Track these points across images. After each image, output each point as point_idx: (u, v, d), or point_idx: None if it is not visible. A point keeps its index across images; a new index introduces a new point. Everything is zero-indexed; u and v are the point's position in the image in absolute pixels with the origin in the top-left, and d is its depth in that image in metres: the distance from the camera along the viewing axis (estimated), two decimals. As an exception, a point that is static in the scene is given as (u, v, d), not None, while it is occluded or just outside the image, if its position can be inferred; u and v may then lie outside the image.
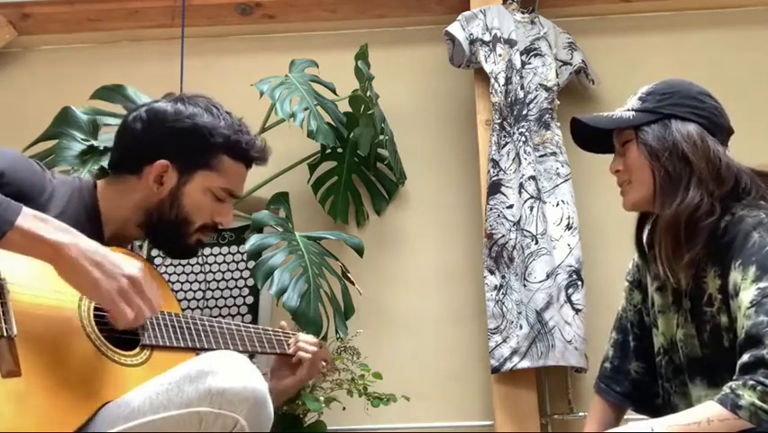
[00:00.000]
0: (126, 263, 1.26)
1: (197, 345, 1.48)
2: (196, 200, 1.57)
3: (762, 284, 1.38)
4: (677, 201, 1.51)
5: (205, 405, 1.21)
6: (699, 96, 1.59)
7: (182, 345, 1.46)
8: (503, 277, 2.54)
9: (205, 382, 1.22)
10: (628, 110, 1.62)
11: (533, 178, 2.60)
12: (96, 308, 1.33)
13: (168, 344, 1.43)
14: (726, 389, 1.33)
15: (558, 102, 2.75)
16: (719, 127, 1.59)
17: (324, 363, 1.83)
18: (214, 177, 1.58)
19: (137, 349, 1.38)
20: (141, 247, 2.36)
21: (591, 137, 1.68)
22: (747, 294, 1.39)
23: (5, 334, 1.12)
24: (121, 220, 1.56)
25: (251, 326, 1.67)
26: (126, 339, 1.37)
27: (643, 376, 1.76)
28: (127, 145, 1.59)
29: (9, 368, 1.10)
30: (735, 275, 1.44)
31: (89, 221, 1.49)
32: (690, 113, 1.56)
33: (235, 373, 1.24)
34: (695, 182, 1.51)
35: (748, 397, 1.29)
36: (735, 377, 1.34)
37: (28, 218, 1.19)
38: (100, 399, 1.26)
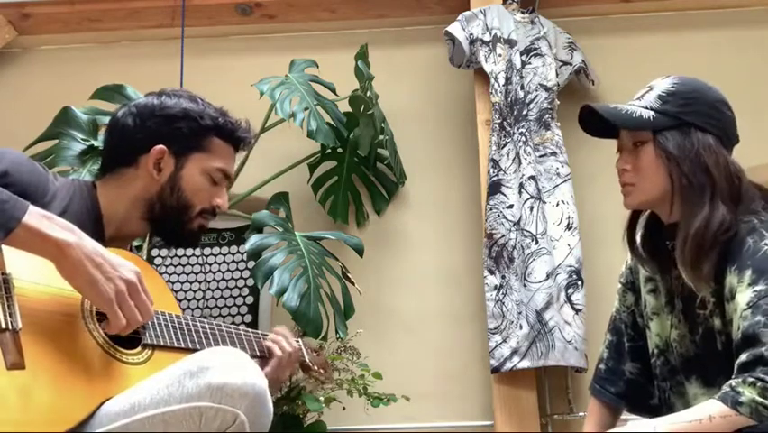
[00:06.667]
0: (125, 267, 1.27)
1: (197, 347, 1.48)
2: (195, 183, 1.60)
3: (758, 287, 1.38)
4: (704, 213, 1.49)
5: (206, 400, 1.21)
6: (718, 106, 1.56)
7: (182, 345, 1.47)
8: (503, 277, 2.54)
9: (205, 377, 1.22)
10: (647, 108, 1.57)
11: (533, 178, 2.61)
12: None
13: (169, 344, 1.44)
14: (726, 387, 1.34)
15: (558, 102, 2.75)
16: (732, 140, 1.58)
17: (321, 371, 1.85)
18: (208, 158, 1.62)
19: (138, 348, 1.39)
20: (140, 248, 2.36)
21: (599, 125, 1.63)
22: (743, 297, 1.39)
23: (10, 327, 1.13)
24: (122, 217, 1.57)
25: (250, 330, 1.68)
26: (128, 338, 1.38)
27: (637, 377, 1.76)
28: (120, 139, 1.61)
29: (14, 360, 1.11)
30: (730, 279, 1.44)
31: (91, 221, 1.50)
32: (709, 123, 1.54)
33: (235, 369, 1.24)
34: (719, 196, 1.49)
35: (748, 394, 1.30)
36: (734, 375, 1.35)
37: (34, 216, 1.20)
38: (102, 394, 1.27)
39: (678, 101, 1.56)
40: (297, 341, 1.80)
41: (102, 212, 1.55)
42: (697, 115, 1.54)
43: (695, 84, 1.59)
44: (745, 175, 1.55)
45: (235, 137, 1.67)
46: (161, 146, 1.57)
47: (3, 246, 1.19)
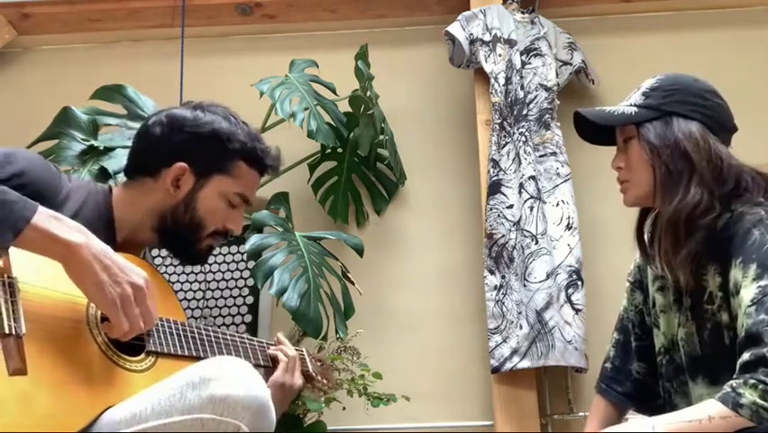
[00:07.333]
0: (133, 271, 1.26)
1: (202, 355, 1.47)
2: (211, 205, 1.58)
3: (762, 282, 1.37)
4: (677, 198, 1.50)
5: (208, 412, 1.19)
6: (704, 94, 1.58)
7: (186, 353, 1.46)
8: (503, 277, 2.54)
9: (207, 389, 1.20)
10: (631, 105, 1.60)
11: (533, 178, 2.60)
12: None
13: (172, 351, 1.43)
14: (726, 387, 1.33)
15: (558, 102, 2.75)
16: (722, 126, 1.58)
17: (324, 381, 1.84)
18: (230, 182, 1.59)
19: (142, 355, 1.38)
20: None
21: (595, 130, 1.67)
22: (748, 292, 1.39)
23: (14, 332, 1.12)
24: (134, 225, 1.56)
25: (254, 339, 1.67)
26: (132, 345, 1.37)
27: (644, 376, 1.75)
28: (145, 149, 1.60)
29: (16, 366, 1.10)
30: (735, 273, 1.43)
31: (103, 225, 1.49)
32: (693, 111, 1.55)
33: (238, 380, 1.22)
34: (696, 180, 1.50)
35: (749, 395, 1.29)
36: (735, 375, 1.34)
37: (43, 217, 1.19)
38: (103, 402, 1.26)
39: (660, 94, 1.58)
40: (300, 351, 1.79)
41: (114, 217, 1.54)
42: (679, 104, 1.56)
43: (679, 77, 1.61)
44: (732, 158, 1.54)
45: (262, 164, 1.64)
46: (183, 164, 1.55)
47: (9, 250, 1.18)
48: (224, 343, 1.57)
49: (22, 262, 1.20)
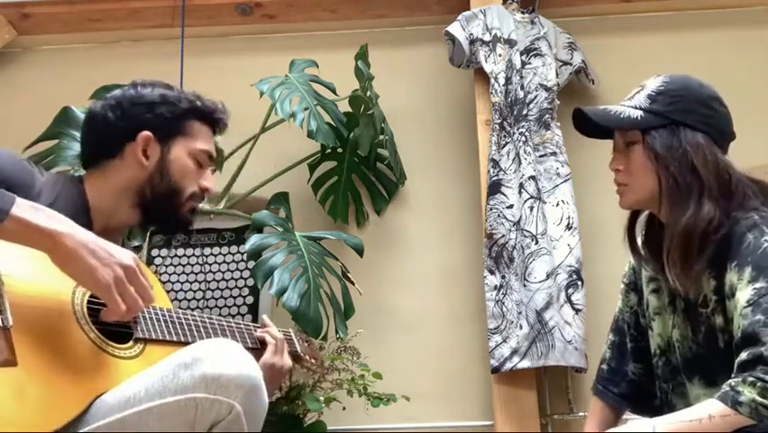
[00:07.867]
0: (121, 253, 1.27)
1: (189, 340, 1.49)
2: (182, 166, 1.61)
3: (758, 284, 1.38)
4: (689, 213, 1.49)
5: (201, 391, 1.20)
6: (711, 103, 1.56)
7: (174, 339, 1.47)
8: (503, 277, 2.54)
9: (200, 369, 1.22)
10: (636, 108, 1.58)
11: (533, 178, 2.60)
12: (89, 301, 1.34)
13: (160, 337, 1.44)
14: (725, 386, 1.33)
15: (558, 102, 2.75)
16: (725, 136, 1.57)
17: (313, 361, 1.85)
18: (192, 141, 1.63)
19: (130, 342, 1.39)
20: (140, 248, 2.37)
21: (594, 126, 1.64)
22: (744, 294, 1.39)
23: (1, 324, 1.13)
24: (111, 209, 1.57)
25: (242, 323, 1.69)
26: (119, 332, 1.38)
27: (640, 377, 1.75)
28: (102, 132, 1.61)
29: (5, 357, 1.11)
30: (731, 276, 1.44)
31: (78, 215, 1.48)
32: (699, 121, 1.53)
33: (230, 360, 1.24)
34: (707, 195, 1.49)
35: (748, 393, 1.29)
36: (734, 374, 1.34)
37: (22, 208, 1.19)
38: (95, 390, 1.27)
39: (666, 99, 1.56)
40: (288, 332, 1.81)
41: (90, 205, 1.55)
42: (685, 113, 1.54)
43: (685, 82, 1.59)
44: (735, 170, 1.54)
45: (213, 118, 1.68)
46: (147, 132, 1.58)
47: None
48: (212, 327, 1.58)
49: (4, 255, 1.21)
